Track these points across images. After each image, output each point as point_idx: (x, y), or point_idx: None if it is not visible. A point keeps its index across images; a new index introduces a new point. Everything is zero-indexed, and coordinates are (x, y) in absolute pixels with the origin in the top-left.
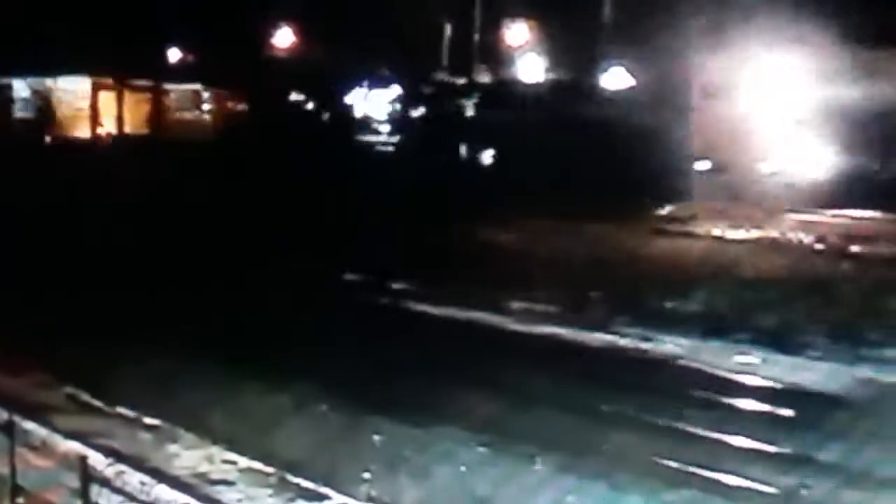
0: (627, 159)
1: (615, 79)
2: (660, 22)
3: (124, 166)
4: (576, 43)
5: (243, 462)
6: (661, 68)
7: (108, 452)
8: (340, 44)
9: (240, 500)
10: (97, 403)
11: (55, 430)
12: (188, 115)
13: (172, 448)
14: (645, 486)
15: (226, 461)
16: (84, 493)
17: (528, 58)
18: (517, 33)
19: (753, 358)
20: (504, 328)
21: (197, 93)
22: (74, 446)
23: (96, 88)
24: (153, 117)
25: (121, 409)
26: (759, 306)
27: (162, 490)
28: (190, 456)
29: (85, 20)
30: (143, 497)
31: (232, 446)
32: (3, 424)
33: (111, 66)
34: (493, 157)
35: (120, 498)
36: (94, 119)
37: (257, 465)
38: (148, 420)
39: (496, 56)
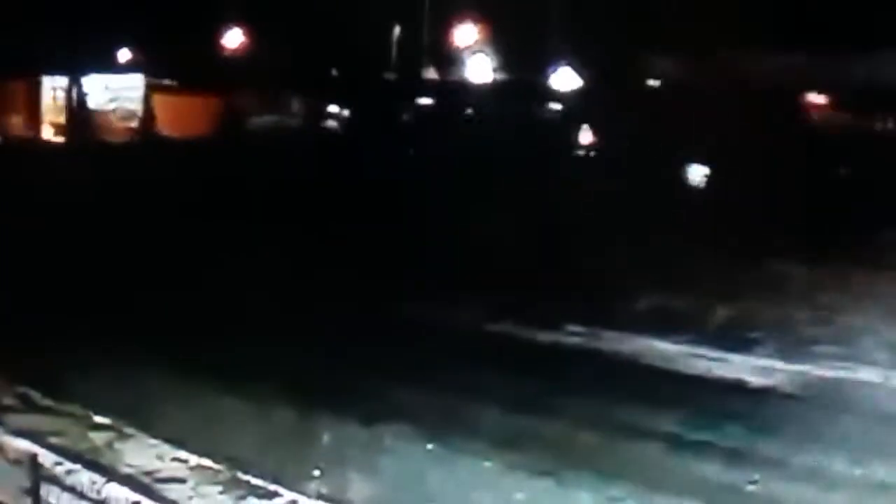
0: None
1: (564, 79)
2: None
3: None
4: (525, 43)
5: (194, 460)
6: None
7: (59, 451)
8: (287, 44)
9: (190, 498)
10: (48, 403)
11: (5, 428)
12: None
13: (123, 446)
14: (592, 482)
15: (176, 459)
16: (34, 492)
17: (477, 58)
18: (466, 33)
19: None
20: None
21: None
22: (24, 445)
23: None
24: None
25: (72, 408)
26: None
27: (112, 488)
28: (140, 454)
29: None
30: (93, 495)
31: (183, 445)
32: None
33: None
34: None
35: (70, 496)
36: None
37: (208, 462)
38: (98, 419)
39: (446, 56)
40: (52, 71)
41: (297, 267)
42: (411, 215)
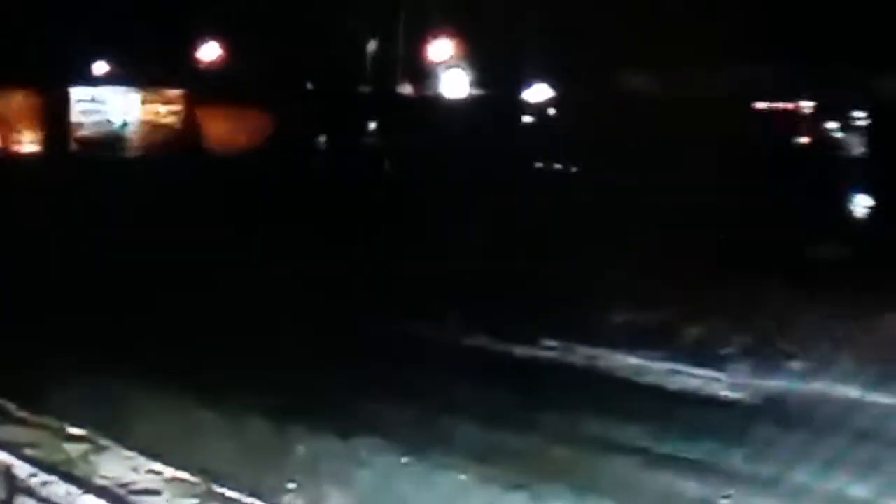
0: None
1: (537, 93)
2: None
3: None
4: (501, 58)
5: (169, 472)
6: None
7: (34, 462)
8: (264, 58)
9: None
10: (23, 414)
11: None
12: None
13: (98, 458)
14: (567, 496)
15: (151, 471)
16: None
17: (452, 73)
18: (441, 48)
19: None
20: None
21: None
22: None
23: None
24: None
25: (47, 420)
26: None
27: (87, 500)
28: (115, 466)
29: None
30: None
31: (158, 457)
32: None
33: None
34: None
35: None
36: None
37: (183, 475)
38: (74, 430)
39: (421, 71)
40: (80, 83)
41: (266, 280)
42: (386, 228)
